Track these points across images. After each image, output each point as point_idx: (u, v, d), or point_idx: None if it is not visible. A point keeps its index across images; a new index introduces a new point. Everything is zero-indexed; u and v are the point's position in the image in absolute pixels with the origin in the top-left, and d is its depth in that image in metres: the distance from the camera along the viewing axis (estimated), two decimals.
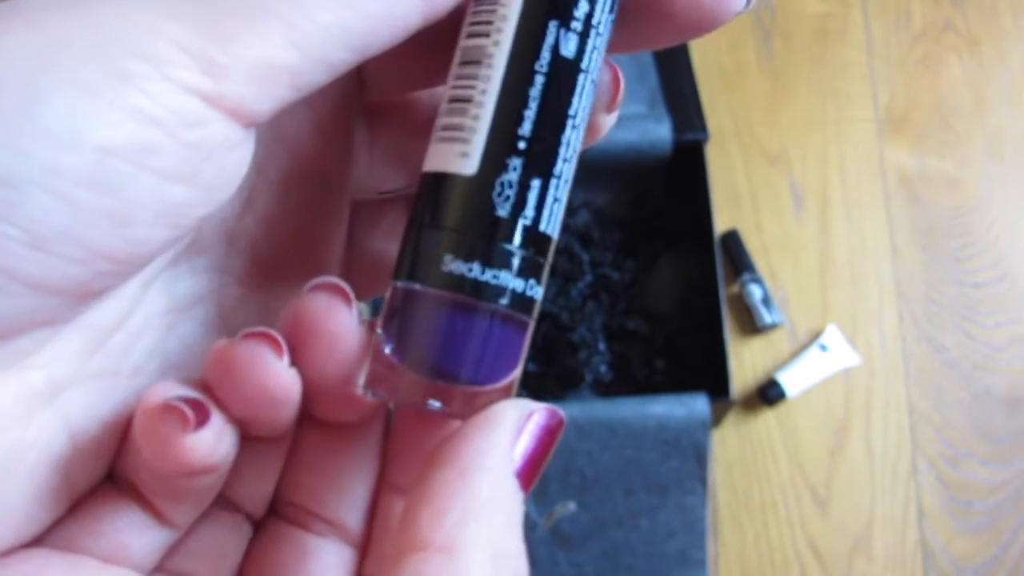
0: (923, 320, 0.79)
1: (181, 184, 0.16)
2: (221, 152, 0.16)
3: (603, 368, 0.74)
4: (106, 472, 0.19)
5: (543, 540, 0.67)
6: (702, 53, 0.84)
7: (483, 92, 0.17)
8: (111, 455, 0.18)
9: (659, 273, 0.78)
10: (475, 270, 0.17)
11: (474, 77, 0.18)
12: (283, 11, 0.16)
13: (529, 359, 0.73)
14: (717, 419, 0.74)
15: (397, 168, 0.23)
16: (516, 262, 0.17)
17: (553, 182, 0.18)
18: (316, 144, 0.21)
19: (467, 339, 0.17)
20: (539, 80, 0.17)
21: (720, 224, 0.77)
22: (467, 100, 0.18)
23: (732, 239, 0.79)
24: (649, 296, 0.77)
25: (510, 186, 0.17)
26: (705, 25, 0.18)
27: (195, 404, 0.17)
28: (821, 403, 0.76)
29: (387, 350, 0.18)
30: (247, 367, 0.17)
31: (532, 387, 0.73)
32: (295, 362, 0.18)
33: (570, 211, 0.75)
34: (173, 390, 0.17)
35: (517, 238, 0.17)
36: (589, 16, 0.18)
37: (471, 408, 0.18)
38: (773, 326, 0.77)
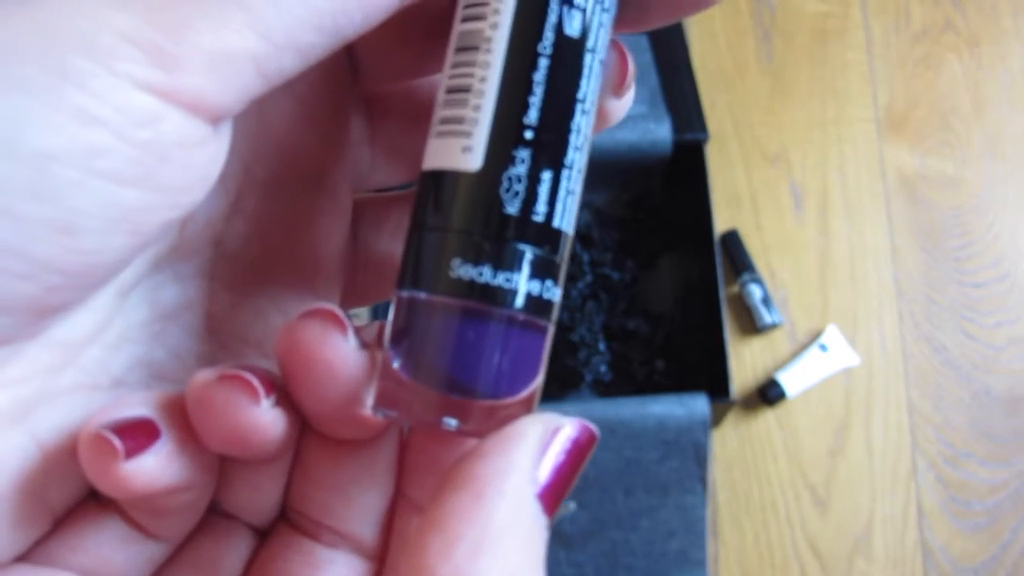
0: (923, 320, 0.79)
1: (135, 188, 0.14)
2: (181, 151, 0.15)
3: (603, 368, 0.74)
4: (88, 487, 0.18)
5: None
6: (702, 53, 0.84)
7: (483, 80, 0.16)
8: None
9: (659, 273, 0.78)
10: (486, 274, 0.16)
11: (472, 64, 0.16)
12: None
13: None
14: (717, 419, 0.74)
15: (403, 163, 0.22)
16: (529, 263, 0.16)
17: (565, 173, 0.16)
18: (308, 139, 0.19)
19: (481, 349, 0.16)
20: (543, 63, 0.16)
21: (720, 224, 0.77)
22: (466, 89, 0.16)
23: (732, 239, 0.79)
24: (649, 296, 0.77)
25: (519, 180, 0.16)
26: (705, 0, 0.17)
27: (136, 428, 0.16)
28: (821, 403, 0.76)
29: (396, 366, 0.16)
30: (221, 411, 0.16)
31: None
32: (291, 391, 0.17)
33: None
34: (116, 412, 0.16)
35: (529, 236, 0.16)
36: None
37: (490, 424, 0.16)
38: (773, 326, 0.77)
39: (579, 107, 0.16)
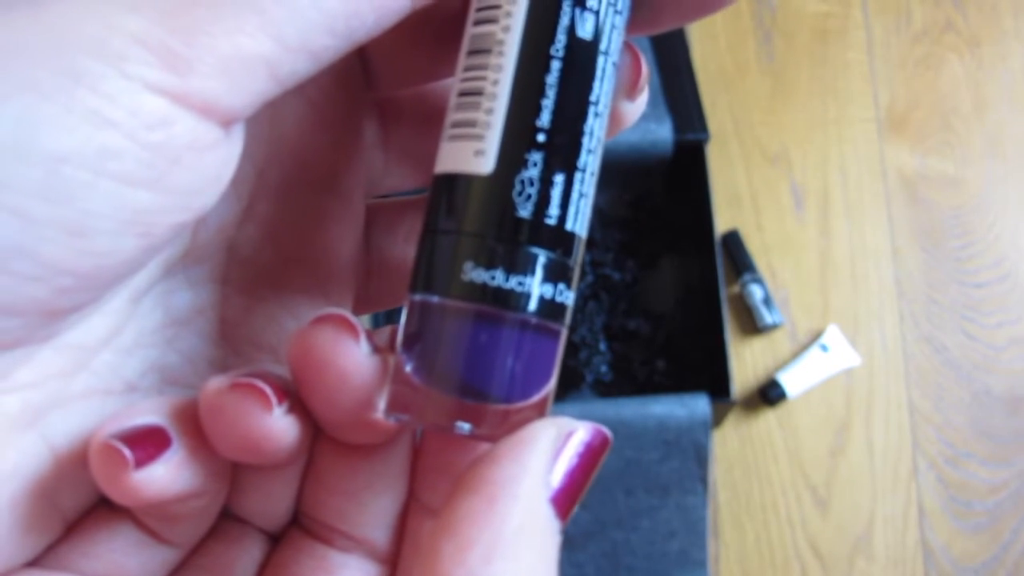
0: (924, 320, 0.79)
1: (146, 189, 0.14)
2: (193, 154, 0.15)
3: (604, 368, 0.74)
4: (100, 492, 0.17)
5: None
6: (703, 53, 0.84)
7: (495, 83, 0.16)
8: None
9: (660, 273, 0.78)
10: (498, 277, 0.16)
11: (484, 67, 0.16)
12: None
13: None
14: (718, 419, 0.74)
15: (416, 167, 0.22)
16: (542, 266, 0.16)
17: (578, 176, 0.16)
18: (320, 143, 0.19)
19: (494, 353, 0.16)
20: (556, 65, 0.16)
21: (721, 224, 0.77)
22: (478, 93, 0.16)
23: (733, 239, 0.79)
24: (650, 296, 0.77)
25: (531, 183, 0.16)
26: (720, 2, 0.17)
27: (146, 437, 0.16)
28: (822, 403, 0.76)
29: (408, 370, 0.16)
30: (233, 419, 0.16)
31: None
32: (303, 397, 0.17)
33: None
34: (126, 420, 0.16)
35: (542, 240, 0.16)
36: None
37: (503, 428, 0.16)
38: (774, 326, 0.77)
39: (592, 110, 0.16)
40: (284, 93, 0.16)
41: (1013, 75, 0.86)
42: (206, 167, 0.15)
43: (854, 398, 0.76)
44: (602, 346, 0.74)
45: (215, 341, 0.19)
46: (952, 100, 0.85)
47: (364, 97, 0.20)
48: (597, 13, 0.16)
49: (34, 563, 0.17)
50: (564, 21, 0.16)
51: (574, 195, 0.16)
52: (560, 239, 0.16)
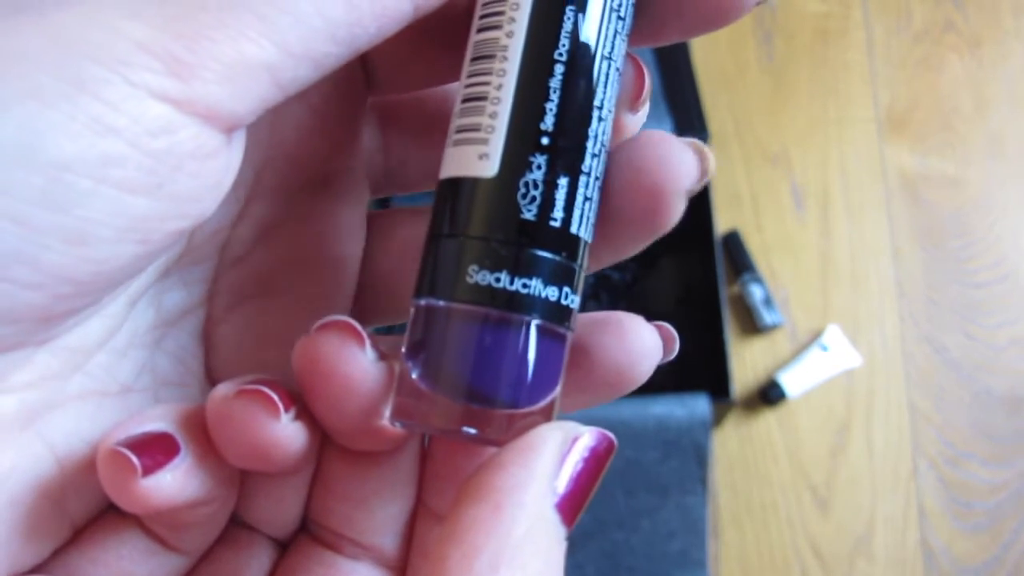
0: (924, 320, 0.79)
1: (146, 197, 0.14)
2: (194, 161, 0.15)
3: None
4: (109, 499, 0.17)
5: None
6: (703, 53, 0.84)
7: (499, 87, 0.16)
8: None
9: (660, 273, 0.78)
10: (503, 280, 0.16)
11: (488, 72, 0.16)
12: (256, 2, 0.14)
13: None
14: (718, 419, 0.74)
15: (418, 174, 0.22)
16: (547, 269, 0.16)
17: (582, 179, 0.16)
18: (320, 147, 0.19)
19: (500, 357, 0.16)
20: (559, 69, 0.16)
21: (721, 224, 0.77)
22: (482, 98, 0.16)
23: (733, 239, 0.79)
24: (650, 296, 0.77)
25: (535, 186, 0.16)
26: (724, 17, 0.17)
27: (154, 444, 0.15)
28: (822, 403, 0.76)
29: (414, 375, 0.16)
30: (241, 426, 0.16)
31: None
32: (310, 405, 0.17)
33: None
34: (135, 427, 0.16)
35: (546, 242, 0.16)
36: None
37: (510, 433, 0.16)
38: (774, 326, 0.77)
39: (596, 114, 0.16)
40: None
41: (1013, 75, 0.86)
42: (207, 174, 0.15)
43: (854, 398, 0.76)
44: None
45: (204, 344, 0.19)
46: (952, 100, 0.85)
47: (364, 101, 0.20)
48: (600, 17, 0.16)
49: (41, 568, 0.17)
50: (567, 25, 0.16)
51: (578, 198, 0.16)
52: (565, 242, 0.16)
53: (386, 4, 0.15)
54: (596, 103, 0.16)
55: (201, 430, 0.16)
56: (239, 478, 0.18)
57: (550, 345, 0.16)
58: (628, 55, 0.18)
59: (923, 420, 0.76)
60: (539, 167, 0.16)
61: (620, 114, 0.18)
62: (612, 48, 0.17)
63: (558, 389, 0.17)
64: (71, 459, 0.16)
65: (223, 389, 0.16)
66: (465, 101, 0.16)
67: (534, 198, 0.16)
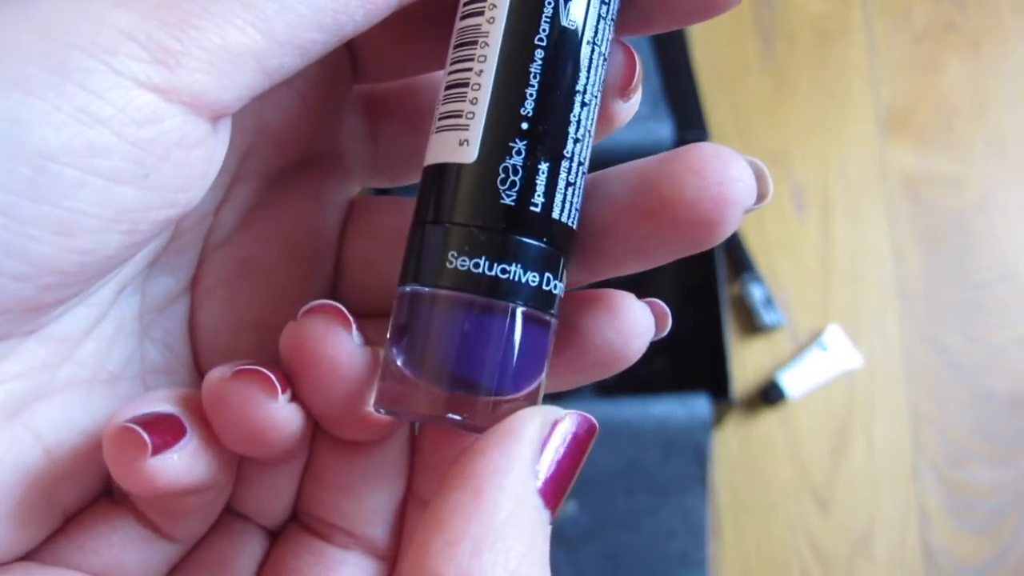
0: (924, 321, 0.79)
1: (132, 187, 0.14)
2: (180, 150, 0.15)
3: None
4: (102, 486, 0.18)
5: None
6: (703, 53, 0.84)
7: (479, 73, 0.16)
8: (101, 468, 0.17)
9: (659, 273, 0.78)
10: (483, 265, 0.16)
11: (470, 59, 0.16)
12: None
13: None
14: (718, 420, 0.74)
15: (405, 164, 0.22)
16: (529, 255, 0.16)
17: (564, 164, 0.16)
18: (303, 133, 0.19)
19: (483, 343, 0.16)
20: (539, 54, 0.16)
21: None
22: (464, 84, 0.16)
23: (733, 239, 0.79)
24: (650, 296, 0.77)
25: (515, 171, 0.16)
26: (711, 8, 0.17)
27: (162, 425, 0.16)
28: (822, 404, 0.76)
29: (398, 362, 0.16)
30: (238, 408, 0.16)
31: None
32: (297, 390, 0.17)
33: None
34: (142, 407, 0.16)
35: (527, 228, 0.16)
36: None
37: (494, 420, 0.16)
38: (774, 326, 0.77)
39: (579, 98, 0.16)
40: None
41: (1014, 75, 0.86)
42: (193, 163, 0.15)
43: (854, 399, 0.76)
44: None
45: (190, 331, 0.19)
46: (953, 100, 0.85)
47: (350, 88, 0.20)
48: (584, 1, 0.16)
49: (31, 556, 0.17)
50: (548, 10, 0.16)
51: (560, 184, 0.16)
52: (547, 228, 0.16)
53: None
54: (579, 88, 0.16)
55: (203, 414, 0.16)
56: (236, 466, 0.18)
57: (534, 331, 0.16)
58: (619, 42, 0.17)
59: (924, 420, 0.76)
60: (519, 152, 0.16)
61: (611, 101, 0.18)
62: (596, 33, 0.16)
63: (543, 375, 0.17)
64: (61, 448, 0.16)
65: (219, 371, 0.16)
66: (448, 88, 0.17)
67: (514, 183, 0.16)
